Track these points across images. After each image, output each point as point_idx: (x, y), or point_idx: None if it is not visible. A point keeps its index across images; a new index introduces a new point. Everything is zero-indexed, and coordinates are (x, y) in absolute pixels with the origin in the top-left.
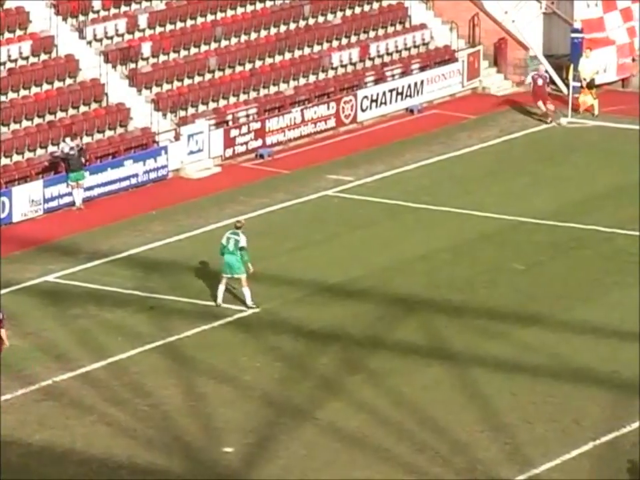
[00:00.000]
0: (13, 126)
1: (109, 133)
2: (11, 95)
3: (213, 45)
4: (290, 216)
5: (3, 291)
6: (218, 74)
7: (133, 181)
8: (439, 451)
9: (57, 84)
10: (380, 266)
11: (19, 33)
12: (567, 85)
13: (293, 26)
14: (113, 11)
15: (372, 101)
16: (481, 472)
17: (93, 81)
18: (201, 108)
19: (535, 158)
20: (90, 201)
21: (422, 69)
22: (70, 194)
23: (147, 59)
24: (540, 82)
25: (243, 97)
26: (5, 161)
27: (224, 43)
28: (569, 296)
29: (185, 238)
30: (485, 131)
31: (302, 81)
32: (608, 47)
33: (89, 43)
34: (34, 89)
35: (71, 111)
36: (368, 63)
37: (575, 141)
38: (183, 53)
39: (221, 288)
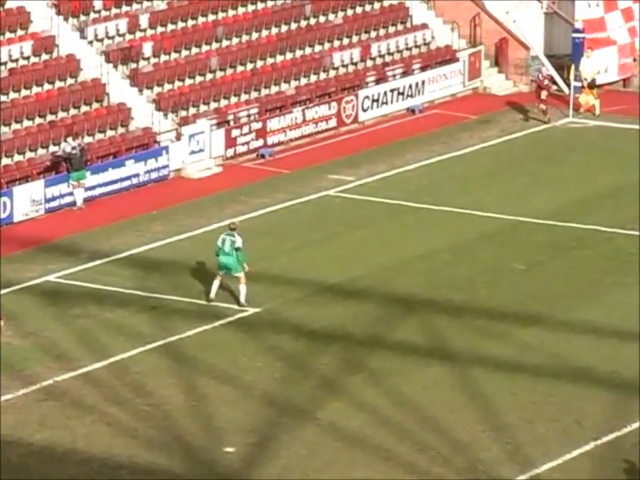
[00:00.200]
0: (14, 126)
1: (110, 133)
2: (12, 95)
3: (214, 45)
4: (291, 216)
5: (4, 291)
6: (219, 74)
7: (134, 180)
8: (439, 451)
9: (58, 84)
10: (380, 266)
11: (20, 32)
12: (568, 85)
13: (294, 26)
14: (114, 10)
15: (373, 100)
16: (482, 472)
17: (94, 81)
18: (202, 108)
19: (535, 158)
20: (91, 201)
21: (423, 68)
22: (71, 194)
23: (148, 58)
24: (544, 82)
25: (244, 97)
26: (6, 160)
27: (225, 42)
28: (569, 296)
29: (185, 238)
30: (486, 131)
31: (303, 80)
32: (609, 47)
33: (90, 42)
34: (35, 89)
35: (72, 111)
36: (369, 63)
37: (576, 141)
38: (184, 52)
39: (216, 284)
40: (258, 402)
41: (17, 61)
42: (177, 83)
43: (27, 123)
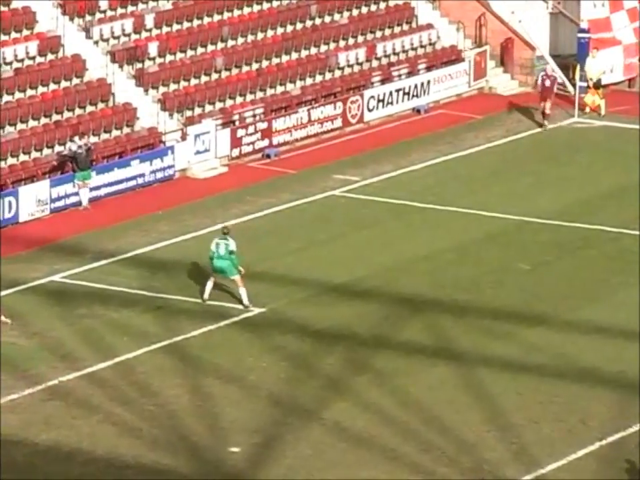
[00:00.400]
0: (20, 125)
1: (115, 133)
2: (18, 95)
3: (220, 45)
4: (296, 216)
5: (10, 291)
6: (224, 74)
7: (140, 180)
8: (445, 451)
9: (64, 84)
10: (386, 266)
11: (25, 32)
12: (574, 85)
13: (299, 26)
14: (120, 10)
15: (378, 100)
16: (487, 472)
17: (99, 81)
18: (208, 108)
19: (540, 158)
20: (96, 201)
21: (428, 68)
22: (76, 194)
23: (153, 58)
24: (547, 83)
25: (249, 97)
26: (11, 160)
27: (231, 42)
28: (574, 296)
29: (191, 238)
30: (492, 131)
31: (308, 80)
32: (614, 47)
33: (96, 42)
34: (41, 89)
35: (78, 111)
36: (374, 63)
37: (581, 141)
38: (190, 52)
39: (209, 285)
40: (263, 402)
41: (22, 60)
42: (183, 83)
43: (32, 123)
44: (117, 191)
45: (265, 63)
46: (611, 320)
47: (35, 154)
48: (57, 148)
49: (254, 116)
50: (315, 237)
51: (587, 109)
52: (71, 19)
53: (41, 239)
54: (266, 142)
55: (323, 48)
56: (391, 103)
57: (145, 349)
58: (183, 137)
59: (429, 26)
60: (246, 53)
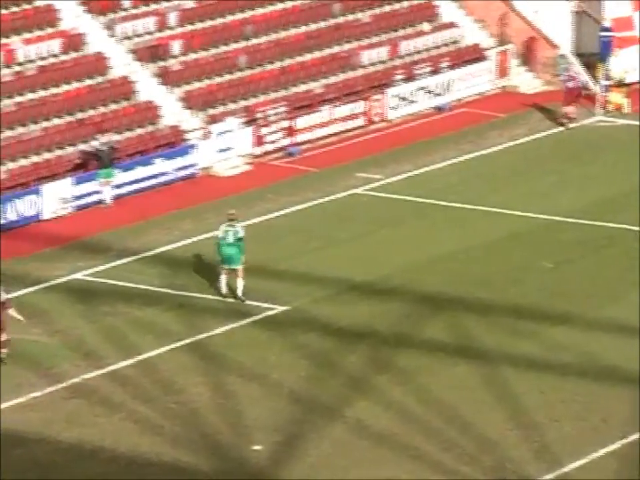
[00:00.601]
0: (43, 123)
1: (138, 131)
2: (41, 93)
3: (243, 43)
4: (318, 214)
5: (33, 289)
6: (248, 72)
7: (163, 179)
8: (467, 450)
9: (87, 81)
10: (408, 264)
11: (49, 30)
12: (597, 84)
13: (322, 24)
14: (143, 8)
15: (401, 99)
16: (510, 471)
17: (122, 79)
18: (231, 106)
19: (563, 156)
20: (119, 199)
21: (451, 67)
22: (99, 191)
23: (176, 56)
24: (570, 84)
25: (272, 95)
26: (35, 158)
27: (254, 40)
28: (597, 294)
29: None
30: (515, 129)
31: (331, 79)
32: (638, 45)
33: (119, 40)
34: (64, 87)
35: (101, 109)
36: (397, 61)
37: (604, 140)
38: (213, 50)
39: (224, 279)
40: (285, 400)
41: (46, 58)
42: (206, 81)
43: (55, 121)
44: (140, 189)
45: (288, 61)
46: (635, 318)
47: (58, 152)
48: (80, 146)
49: (277, 114)
50: (337, 235)
51: (610, 108)
52: (94, 17)
53: (64, 236)
54: (288, 140)
55: (346, 46)
56: (414, 102)
57: (167, 347)
58: (206, 135)
59: (452, 24)
60: (269, 51)
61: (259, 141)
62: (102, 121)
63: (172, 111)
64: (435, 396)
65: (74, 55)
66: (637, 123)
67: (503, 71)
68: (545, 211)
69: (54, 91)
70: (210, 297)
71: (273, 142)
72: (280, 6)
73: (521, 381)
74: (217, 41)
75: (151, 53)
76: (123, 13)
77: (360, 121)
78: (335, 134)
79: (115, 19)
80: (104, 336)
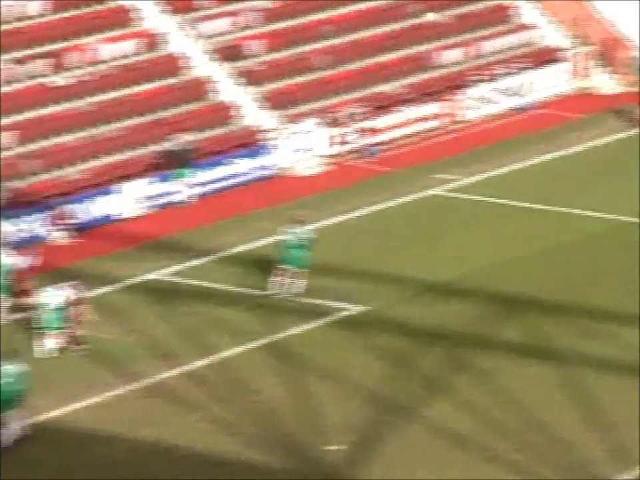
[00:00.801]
0: (121, 123)
1: (216, 131)
2: (120, 92)
3: (322, 43)
4: (396, 214)
5: (111, 288)
6: (327, 72)
7: (241, 178)
8: (542, 450)
9: (165, 81)
10: (485, 265)
11: (128, 30)
12: None
13: (401, 25)
14: (221, 8)
15: (480, 100)
16: (586, 471)
17: (200, 79)
18: (309, 106)
19: None
20: (198, 198)
21: (530, 68)
22: (177, 191)
23: (255, 56)
24: None
25: (351, 95)
26: (113, 158)
27: (333, 40)
28: None
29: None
30: (593, 130)
31: (410, 79)
32: None
33: (198, 40)
34: (142, 86)
35: (179, 109)
36: (476, 62)
37: None
38: (292, 50)
39: (285, 279)
40: (362, 400)
41: (124, 58)
42: (284, 81)
43: (134, 120)
44: (218, 188)
45: (366, 62)
46: None
47: (136, 151)
48: (158, 145)
49: (355, 114)
50: (415, 236)
51: None
52: (173, 17)
53: (142, 236)
54: (367, 140)
55: (425, 47)
56: (492, 103)
57: (244, 347)
58: (284, 135)
59: (531, 25)
60: (348, 51)
61: (337, 141)
62: (180, 120)
63: (250, 110)
64: (510, 397)
65: (152, 54)
66: None
67: (581, 72)
68: (623, 212)
69: (132, 90)
70: (288, 297)
71: (351, 142)
72: (359, 6)
73: (597, 381)
74: (296, 41)
75: (230, 53)
76: (202, 13)
77: (438, 122)
78: (413, 134)
79: (193, 18)
80: (181, 335)
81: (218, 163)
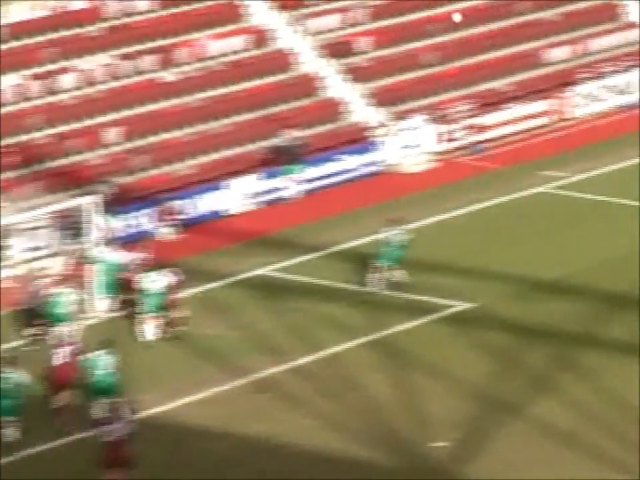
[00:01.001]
0: (229, 119)
1: (325, 127)
2: (229, 88)
3: (430, 40)
4: (502, 212)
5: (218, 283)
6: (434, 69)
7: (348, 175)
8: None
9: (273, 77)
10: (592, 262)
11: (236, 26)
12: None
13: (508, 22)
14: (330, 5)
15: (587, 97)
16: None
17: (309, 75)
18: (417, 103)
19: None
20: (306, 195)
21: (637, 66)
22: (285, 187)
23: (363, 53)
24: None
25: (458, 93)
26: (221, 154)
27: (441, 38)
28: None
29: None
30: None
31: (517, 77)
32: None
33: (306, 36)
34: (250, 82)
35: (287, 105)
36: (583, 60)
37: None
38: (400, 47)
39: (378, 275)
40: (468, 397)
41: (233, 54)
42: (392, 78)
43: (242, 117)
44: (326, 185)
45: (474, 59)
46: None
47: (244, 147)
48: (267, 141)
49: (462, 112)
50: (521, 233)
51: None
52: (281, 13)
53: (250, 232)
54: (474, 138)
55: (533, 44)
56: (599, 100)
57: (350, 343)
58: (392, 132)
59: (638, 24)
60: (455, 48)
61: (445, 138)
62: (288, 117)
63: (358, 107)
64: (616, 395)
65: (261, 50)
66: None
67: None
68: None
69: (241, 86)
70: (393, 293)
71: (458, 139)
72: (466, 4)
73: None
74: (404, 38)
75: (338, 50)
76: (310, 9)
77: (545, 119)
78: (521, 132)
79: (301, 15)
80: (287, 331)
81: (326, 160)
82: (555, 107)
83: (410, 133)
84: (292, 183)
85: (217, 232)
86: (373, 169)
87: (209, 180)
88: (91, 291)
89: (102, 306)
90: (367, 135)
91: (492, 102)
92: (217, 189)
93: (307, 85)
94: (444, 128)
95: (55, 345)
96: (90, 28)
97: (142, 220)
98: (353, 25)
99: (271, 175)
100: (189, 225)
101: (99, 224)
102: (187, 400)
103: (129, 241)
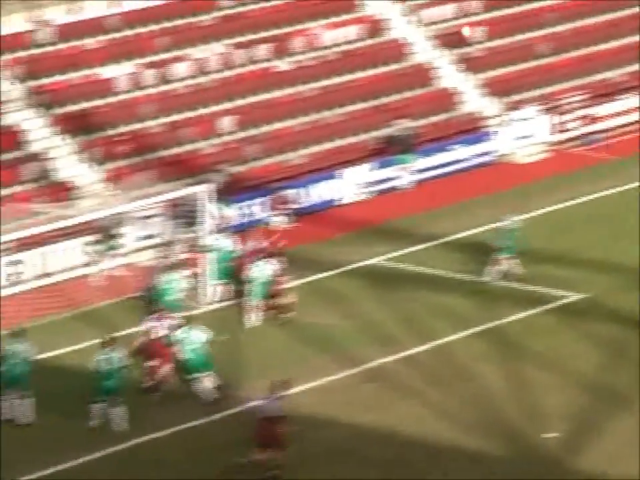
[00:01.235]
0: (342, 109)
1: (438, 117)
2: (341, 78)
3: (544, 31)
4: (617, 202)
5: (331, 273)
6: (548, 59)
7: (461, 165)
8: None
9: (387, 67)
10: None
11: (350, 16)
12: None
13: (623, 13)
14: None
15: None
16: None
17: (423, 65)
18: (530, 93)
19: None
20: (418, 184)
21: None
22: (397, 177)
23: (477, 43)
24: None
25: (572, 83)
26: (335, 143)
27: (555, 28)
28: None
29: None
30: None
31: (631, 67)
32: None
33: (420, 26)
34: (364, 72)
35: (400, 95)
36: None
37: None
38: (513, 38)
39: (497, 267)
40: (580, 388)
41: (347, 44)
42: (506, 68)
43: (355, 106)
44: (438, 175)
45: (588, 49)
46: None
47: (358, 137)
48: (380, 131)
49: (576, 102)
50: (636, 225)
51: None
52: (396, 3)
53: (362, 221)
54: (587, 128)
55: None
56: None
57: (462, 333)
58: (505, 122)
59: None
60: (570, 39)
61: (558, 128)
62: (401, 106)
63: (472, 97)
64: None
65: (375, 40)
66: None
67: None
68: None
69: (355, 76)
70: (506, 284)
71: (571, 130)
72: None
73: None
74: (518, 28)
75: (452, 40)
76: (424, 0)
77: None
78: (636, 122)
79: (415, 5)
80: (399, 321)
81: (439, 150)
82: None
83: (523, 124)
84: (405, 173)
85: (329, 221)
86: (485, 159)
87: (322, 169)
88: (203, 278)
89: (213, 293)
90: (480, 125)
91: (605, 93)
92: (329, 178)
93: (420, 75)
94: (557, 119)
95: (154, 319)
96: (204, 17)
97: (255, 209)
98: (467, 15)
99: (384, 165)
100: (302, 214)
101: (212, 213)
102: (297, 389)
103: (241, 230)
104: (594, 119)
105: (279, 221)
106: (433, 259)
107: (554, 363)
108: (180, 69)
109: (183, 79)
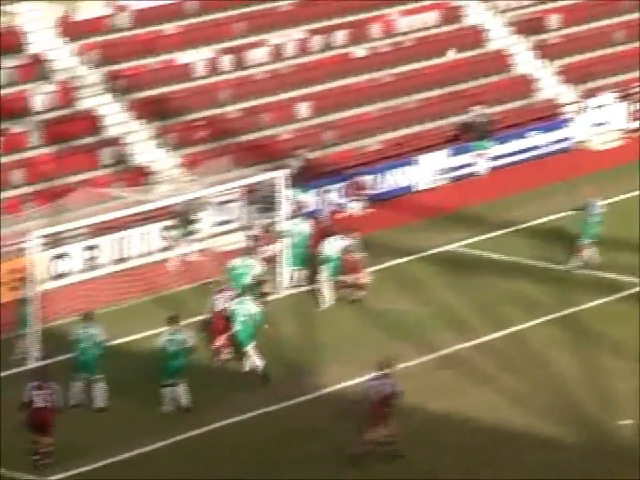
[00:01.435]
0: (419, 95)
1: (514, 104)
2: (418, 64)
3: (620, 18)
4: None
5: (406, 259)
6: (624, 47)
7: (537, 152)
8: None
9: (464, 54)
10: None
11: (427, 2)
12: None
13: None
14: None
15: None
16: None
17: (500, 52)
18: (607, 80)
19: None
20: (494, 171)
21: None
22: (474, 163)
23: (554, 30)
24: None
25: None
26: (411, 129)
27: (631, 15)
28: None
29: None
30: None
31: None
32: None
33: (498, 13)
34: (441, 58)
35: (477, 81)
36: None
37: None
38: (590, 25)
39: (580, 254)
40: None
41: (424, 30)
42: (583, 55)
43: (432, 92)
44: (515, 161)
45: None
46: None
47: (434, 123)
48: (456, 117)
49: None
50: None
51: None
52: None
53: (438, 207)
54: None
55: None
56: None
57: (537, 320)
58: (582, 109)
59: None
60: None
61: (635, 116)
62: (478, 93)
63: (549, 84)
64: None
65: (452, 26)
66: None
67: None
68: None
69: (431, 62)
70: (581, 270)
71: None
72: None
73: None
74: (595, 15)
75: (529, 26)
76: None
77: None
78: None
79: None
80: (475, 307)
81: (516, 136)
82: None
83: (599, 111)
84: (481, 160)
85: (405, 207)
86: (562, 145)
87: (398, 155)
88: (280, 263)
89: (290, 278)
90: (557, 112)
91: None
92: (406, 164)
93: (497, 62)
94: (633, 106)
95: (217, 292)
96: (282, 3)
97: (331, 194)
98: (545, 2)
99: (460, 151)
100: (378, 200)
101: (289, 198)
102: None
103: (317, 215)
104: None
105: (355, 207)
106: (509, 245)
107: (629, 350)
108: (257, 54)
109: (260, 65)
